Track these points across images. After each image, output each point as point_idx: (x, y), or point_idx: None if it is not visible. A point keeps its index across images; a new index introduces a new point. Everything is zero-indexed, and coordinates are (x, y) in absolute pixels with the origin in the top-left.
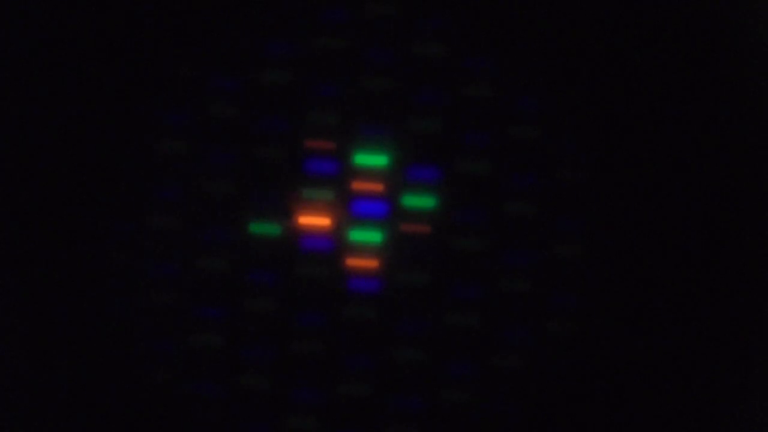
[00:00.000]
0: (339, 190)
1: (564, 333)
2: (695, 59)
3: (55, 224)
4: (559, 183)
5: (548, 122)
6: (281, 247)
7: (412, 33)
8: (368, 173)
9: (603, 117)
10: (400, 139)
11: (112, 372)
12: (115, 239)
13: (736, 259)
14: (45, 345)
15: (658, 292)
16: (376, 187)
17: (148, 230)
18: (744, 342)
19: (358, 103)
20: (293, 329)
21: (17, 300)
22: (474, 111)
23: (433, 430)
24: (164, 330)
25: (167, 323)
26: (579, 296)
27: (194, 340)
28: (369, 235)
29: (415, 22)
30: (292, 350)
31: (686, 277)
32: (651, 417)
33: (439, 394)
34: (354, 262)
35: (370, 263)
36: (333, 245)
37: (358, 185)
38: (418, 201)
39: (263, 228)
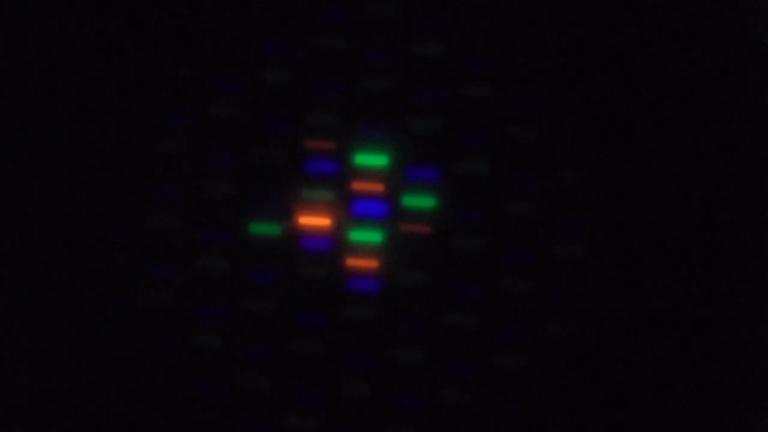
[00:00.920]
0: (339, 190)
1: (564, 333)
2: (695, 59)
3: (55, 224)
4: (559, 183)
5: (548, 122)
6: (281, 247)
7: (412, 33)
8: (368, 173)
9: (603, 117)
10: (400, 139)
11: (113, 372)
12: (116, 239)
13: (736, 259)
14: (45, 345)
15: (658, 292)
16: (376, 187)
17: (148, 230)
18: (744, 342)
19: (358, 103)
20: (293, 329)
21: (18, 300)
22: (474, 111)
23: (432, 430)
24: (164, 330)
25: (167, 323)
26: (579, 296)
27: (194, 340)
28: (369, 235)
29: (415, 22)
30: (292, 350)
31: (686, 277)
32: (651, 417)
33: (439, 394)
34: (354, 262)
35: (370, 263)
36: (333, 245)
37: (358, 185)
38: (418, 201)
39: (263, 228)
